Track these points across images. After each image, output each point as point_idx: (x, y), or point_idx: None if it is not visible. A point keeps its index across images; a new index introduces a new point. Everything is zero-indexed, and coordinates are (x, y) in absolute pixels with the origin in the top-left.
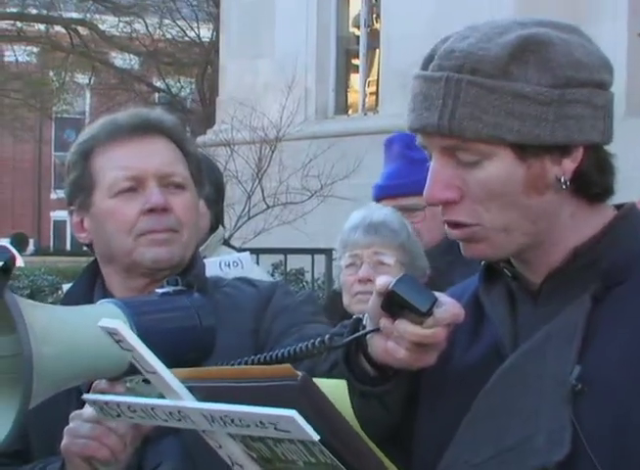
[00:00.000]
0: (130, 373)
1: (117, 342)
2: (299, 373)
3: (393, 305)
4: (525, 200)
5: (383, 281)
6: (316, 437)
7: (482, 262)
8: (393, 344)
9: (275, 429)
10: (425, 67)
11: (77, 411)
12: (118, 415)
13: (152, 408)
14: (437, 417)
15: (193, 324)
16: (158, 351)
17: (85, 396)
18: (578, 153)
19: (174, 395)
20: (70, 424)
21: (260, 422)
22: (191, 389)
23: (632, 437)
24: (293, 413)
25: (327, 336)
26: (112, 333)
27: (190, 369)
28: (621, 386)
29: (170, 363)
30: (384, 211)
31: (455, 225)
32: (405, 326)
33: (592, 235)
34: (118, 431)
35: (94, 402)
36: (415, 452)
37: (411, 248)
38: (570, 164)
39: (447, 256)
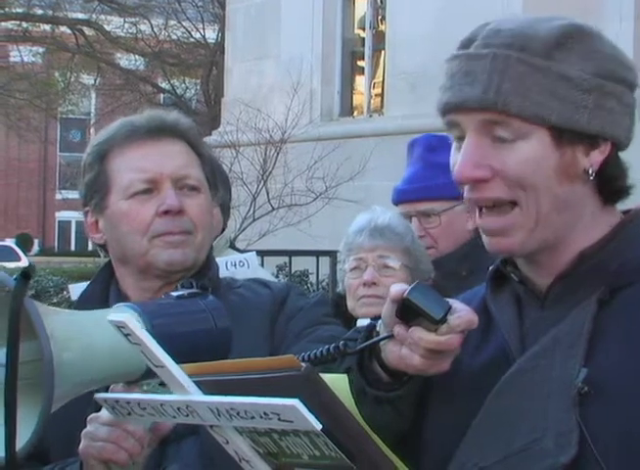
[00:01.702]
0: (147, 377)
1: (126, 335)
2: (303, 364)
3: (408, 312)
4: (555, 186)
5: (397, 289)
6: (318, 425)
7: (490, 268)
8: (408, 350)
9: (279, 420)
10: (465, 48)
11: (95, 414)
12: (129, 413)
13: (160, 405)
14: (447, 420)
15: (208, 327)
16: (174, 353)
17: (96, 395)
18: (606, 147)
19: (181, 389)
20: (88, 427)
21: (264, 413)
22: (198, 383)
23: (639, 438)
24: (295, 402)
25: (341, 342)
26: (120, 327)
27: (197, 364)
28: (628, 388)
29: None
30: (388, 215)
31: (492, 208)
32: (420, 333)
33: (599, 238)
34: (136, 434)
35: (105, 401)
36: (424, 455)
37: (416, 251)
38: (598, 156)
39: (465, 262)
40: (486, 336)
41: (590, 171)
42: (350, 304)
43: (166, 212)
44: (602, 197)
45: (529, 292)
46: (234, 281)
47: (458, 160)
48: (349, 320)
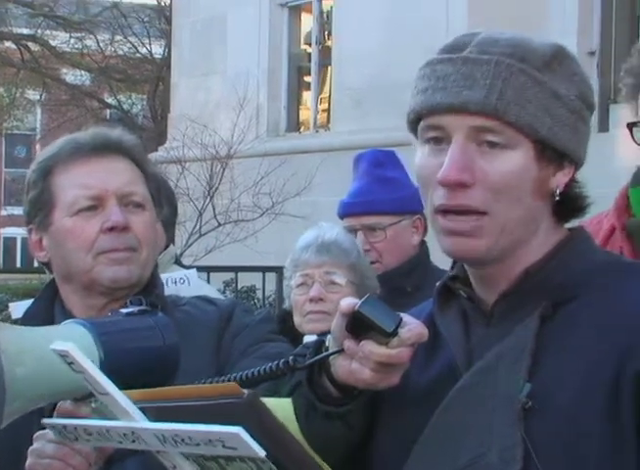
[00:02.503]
0: None
1: (69, 364)
2: (245, 391)
3: (358, 326)
4: (529, 200)
5: (347, 302)
6: (262, 453)
7: (437, 284)
8: (358, 364)
9: (223, 446)
10: (451, 52)
11: (42, 432)
12: (76, 438)
13: (106, 430)
14: (395, 436)
15: (158, 344)
16: (124, 370)
17: (44, 420)
18: (570, 169)
19: (127, 416)
20: (35, 444)
21: (209, 440)
22: (144, 410)
23: (583, 452)
24: (238, 430)
25: (290, 357)
26: (63, 355)
27: (142, 390)
28: (571, 402)
29: (135, 383)
30: (335, 231)
31: (460, 213)
32: (370, 347)
33: (543, 256)
34: (83, 451)
35: (53, 426)
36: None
37: (362, 267)
38: (563, 178)
39: (411, 278)
40: (433, 352)
41: (557, 192)
42: (297, 320)
43: (111, 229)
44: (556, 216)
45: (476, 309)
46: (179, 298)
47: (445, 162)
48: (296, 336)
